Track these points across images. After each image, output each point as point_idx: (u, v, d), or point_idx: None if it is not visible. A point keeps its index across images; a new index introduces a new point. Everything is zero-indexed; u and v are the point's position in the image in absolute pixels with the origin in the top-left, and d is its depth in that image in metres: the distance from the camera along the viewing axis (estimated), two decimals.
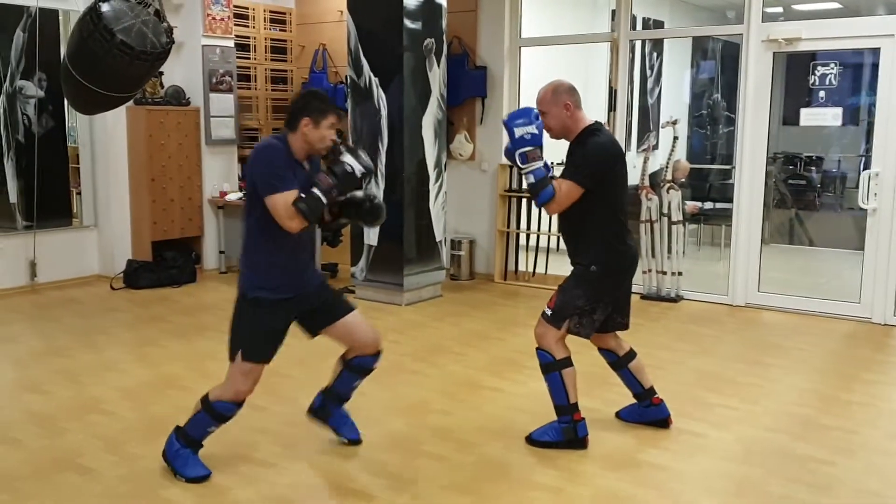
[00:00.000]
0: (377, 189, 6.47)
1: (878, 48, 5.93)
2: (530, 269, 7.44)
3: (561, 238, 3.88)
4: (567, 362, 3.63)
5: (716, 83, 10.06)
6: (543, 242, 7.48)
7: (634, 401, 3.99)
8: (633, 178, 7.06)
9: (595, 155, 3.52)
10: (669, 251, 6.75)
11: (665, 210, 6.74)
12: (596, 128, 3.60)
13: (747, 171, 6.43)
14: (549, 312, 3.64)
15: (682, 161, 7.10)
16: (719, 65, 9.95)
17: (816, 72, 6.38)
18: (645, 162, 6.88)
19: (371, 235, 6.58)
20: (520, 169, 3.54)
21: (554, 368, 3.61)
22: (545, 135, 3.58)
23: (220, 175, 7.78)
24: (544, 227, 7.39)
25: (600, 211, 3.54)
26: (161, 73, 7.18)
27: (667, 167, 6.80)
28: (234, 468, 3.48)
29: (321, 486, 3.38)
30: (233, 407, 3.33)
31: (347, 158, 3.17)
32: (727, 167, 9.26)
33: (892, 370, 5.06)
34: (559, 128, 3.61)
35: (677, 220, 6.77)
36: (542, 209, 3.63)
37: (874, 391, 4.59)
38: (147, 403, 4.28)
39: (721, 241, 8.27)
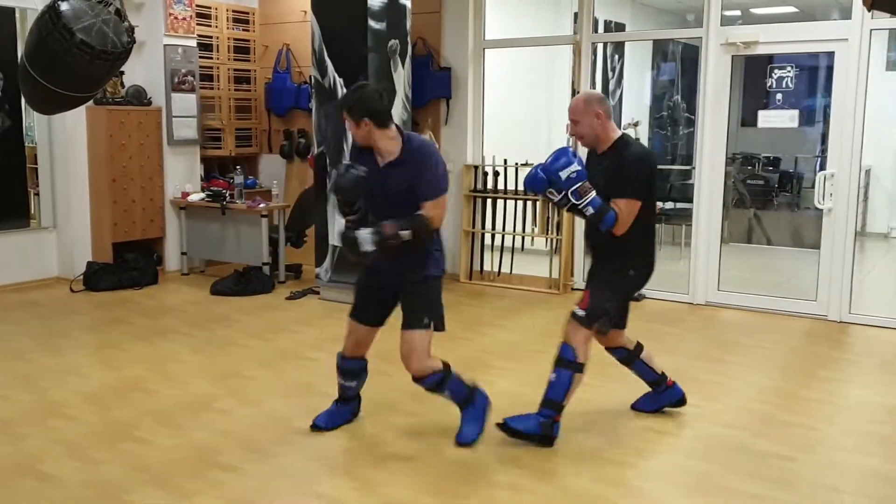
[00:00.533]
0: None
1: (833, 52, 6.07)
2: (496, 269, 7.48)
3: (590, 243, 3.95)
4: (583, 368, 3.72)
5: (676, 85, 10.20)
6: (508, 242, 7.52)
7: (629, 396, 4.16)
8: None
9: (643, 166, 3.67)
10: None
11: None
12: (628, 139, 3.79)
13: (707, 172, 6.54)
14: (581, 313, 3.71)
15: None
16: (679, 67, 10.09)
17: (774, 74, 6.51)
18: None
19: (335, 236, 6.56)
20: (576, 205, 3.58)
21: (571, 368, 3.69)
22: (568, 131, 3.81)
23: (183, 175, 7.70)
24: (509, 227, 7.43)
25: (643, 218, 3.66)
26: (122, 73, 7.08)
27: None
28: (198, 473, 3.46)
29: (287, 488, 3.37)
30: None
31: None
32: (687, 168, 9.40)
33: (847, 367, 5.19)
34: (591, 136, 3.72)
35: None
36: (609, 231, 3.61)
37: (831, 388, 4.69)
38: (110, 407, 4.23)
39: (682, 241, 8.38)
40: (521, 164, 7.20)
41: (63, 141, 7.17)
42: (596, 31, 7.35)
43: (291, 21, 8.25)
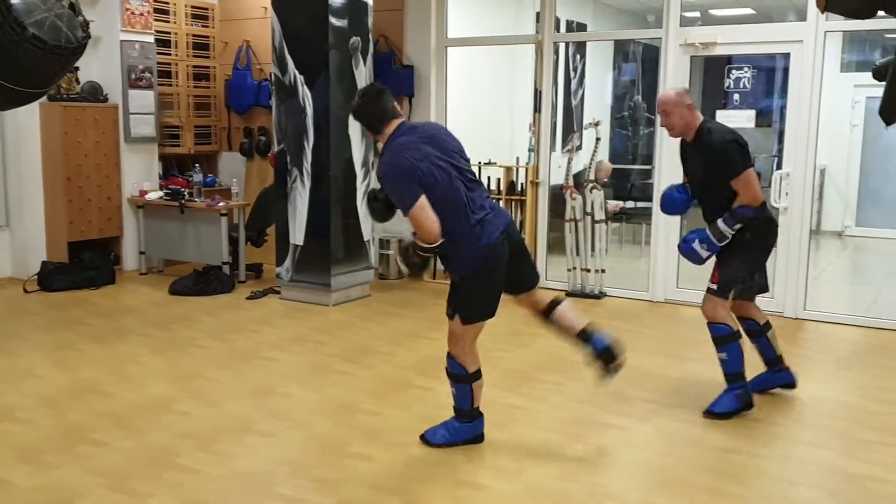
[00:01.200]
0: (303, 188, 6.41)
1: (789, 53, 6.17)
2: None
3: (705, 217, 4.18)
4: (741, 333, 4.07)
5: (637, 85, 10.29)
6: None
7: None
8: (557, 177, 7.23)
9: (733, 142, 3.93)
10: (593, 249, 6.89)
11: (588, 209, 6.88)
12: (710, 123, 4.07)
13: (666, 172, 6.59)
14: (714, 287, 4.02)
15: (604, 162, 7.24)
16: (640, 67, 10.18)
17: (731, 75, 6.60)
18: (569, 162, 6.99)
19: (297, 235, 6.51)
20: (727, 238, 4.01)
21: (732, 339, 4.02)
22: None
23: (141, 173, 7.58)
24: None
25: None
26: (77, 69, 6.95)
27: (590, 167, 6.92)
28: (156, 475, 3.40)
29: (247, 490, 3.33)
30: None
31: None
32: (648, 167, 9.49)
33: (803, 362, 5.27)
34: (682, 126, 4.03)
35: (600, 219, 6.91)
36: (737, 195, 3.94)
37: None
38: (65, 410, 4.15)
39: (642, 240, 8.47)
40: (485, 163, 7.21)
41: (15, 138, 7.01)
42: (558, 30, 7.39)
43: (252, 17, 8.17)
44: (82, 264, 7.02)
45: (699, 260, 4.09)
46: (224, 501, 3.23)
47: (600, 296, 6.84)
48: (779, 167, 6.35)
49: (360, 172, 6.60)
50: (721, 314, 4.02)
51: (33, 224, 7.09)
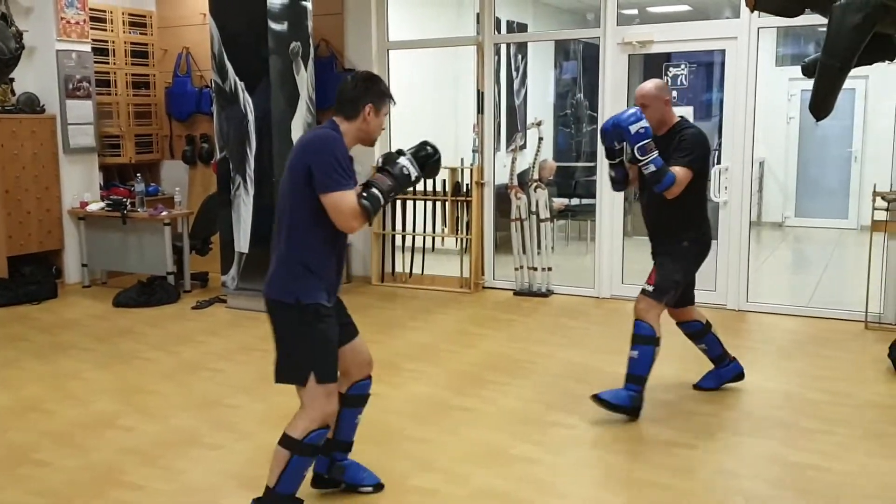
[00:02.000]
0: (247, 195, 6.36)
1: (724, 50, 6.30)
2: (407, 271, 7.49)
3: (647, 223, 4.26)
4: (659, 342, 4.02)
5: (578, 83, 10.40)
6: (419, 243, 7.54)
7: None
8: (502, 177, 7.28)
9: (700, 143, 3.96)
10: (539, 248, 6.96)
11: (533, 208, 6.94)
12: (686, 122, 4.07)
13: (609, 167, 6.68)
14: (650, 289, 4.02)
15: (548, 160, 7.32)
16: (581, 65, 10.30)
17: (669, 72, 6.72)
18: (513, 162, 7.05)
19: (241, 242, 6.45)
20: (639, 160, 3.83)
21: (651, 342, 3.99)
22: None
23: (81, 185, 7.43)
24: (419, 228, 7.45)
25: (694, 192, 3.96)
26: (12, 80, 6.79)
27: (534, 166, 6.99)
28: (102, 493, 3.35)
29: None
30: (325, 432, 2.97)
31: (404, 161, 3.02)
32: (591, 164, 9.60)
33: (746, 354, 5.36)
34: (657, 120, 3.99)
35: (545, 218, 6.98)
36: (662, 193, 3.90)
37: None
38: (5, 429, 4.06)
39: (588, 236, 8.57)
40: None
41: None
42: (498, 31, 7.44)
43: (190, 24, 8.06)
44: (23, 279, 6.87)
45: (614, 135, 3.92)
46: None
47: (547, 294, 6.91)
48: (718, 161, 6.48)
49: None
50: (651, 316, 4.01)
51: None
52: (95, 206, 7.27)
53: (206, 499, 3.33)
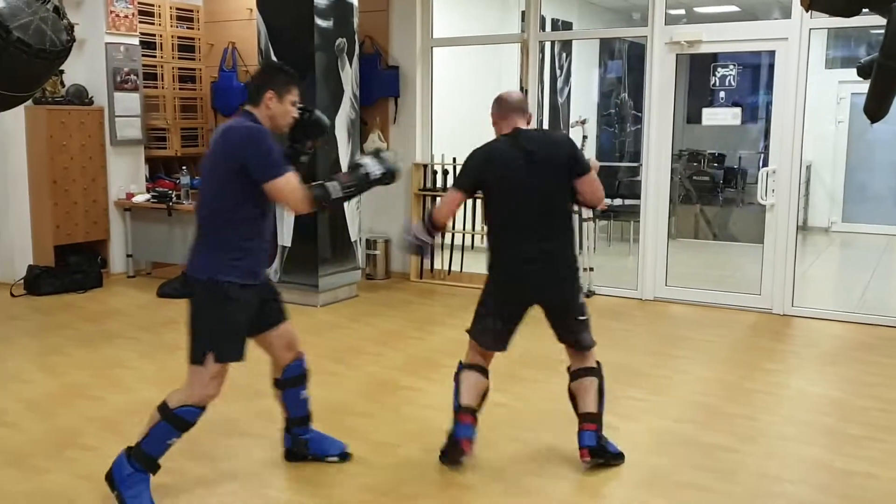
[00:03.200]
0: None
1: (774, 51, 6.20)
2: (446, 268, 7.49)
3: None
4: (461, 367, 3.63)
5: (623, 83, 10.33)
6: (458, 240, 7.54)
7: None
8: None
9: (467, 162, 3.55)
10: (581, 248, 6.91)
11: (576, 207, 6.87)
12: (496, 139, 3.58)
13: (653, 169, 6.63)
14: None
15: (591, 160, 7.20)
16: (626, 65, 10.22)
17: (717, 73, 6.63)
18: None
19: (285, 236, 6.50)
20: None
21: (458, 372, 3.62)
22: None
23: (127, 176, 7.55)
24: (459, 226, 7.44)
25: (490, 218, 3.59)
26: (62, 72, 6.92)
27: None
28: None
29: (238, 492, 3.33)
30: (199, 411, 3.07)
31: (367, 160, 3.14)
32: (635, 164, 9.52)
33: (790, 359, 5.31)
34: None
35: (587, 217, 6.93)
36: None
37: (774, 379, 4.80)
38: (53, 415, 4.14)
39: (630, 237, 8.50)
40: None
41: (1, 142, 6.98)
42: (543, 29, 7.41)
43: (237, 19, 8.14)
44: (69, 268, 6.99)
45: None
46: (214, 502, 3.23)
47: (589, 294, 6.86)
48: (765, 164, 6.39)
49: None
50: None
51: (19, 228, 7.06)
52: (141, 198, 7.38)
53: (248, 487, 3.36)
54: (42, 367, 4.99)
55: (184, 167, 7.72)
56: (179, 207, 7.12)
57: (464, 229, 7.42)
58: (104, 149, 7.37)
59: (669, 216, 6.83)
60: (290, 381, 3.40)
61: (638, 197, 6.91)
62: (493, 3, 9.32)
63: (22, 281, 6.84)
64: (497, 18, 9.10)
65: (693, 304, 6.54)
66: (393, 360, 5.10)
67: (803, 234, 9.28)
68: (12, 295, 6.72)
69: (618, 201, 9.23)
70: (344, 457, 3.52)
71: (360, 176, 3.11)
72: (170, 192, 7.29)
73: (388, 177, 3.18)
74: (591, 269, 6.92)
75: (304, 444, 3.46)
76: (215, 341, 3.02)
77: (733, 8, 9.31)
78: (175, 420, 3.03)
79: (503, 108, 3.58)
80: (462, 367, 3.62)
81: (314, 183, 3.05)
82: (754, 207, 7.94)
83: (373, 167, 3.13)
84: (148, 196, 7.39)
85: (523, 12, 7.20)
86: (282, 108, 3.10)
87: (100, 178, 7.36)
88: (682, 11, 8.72)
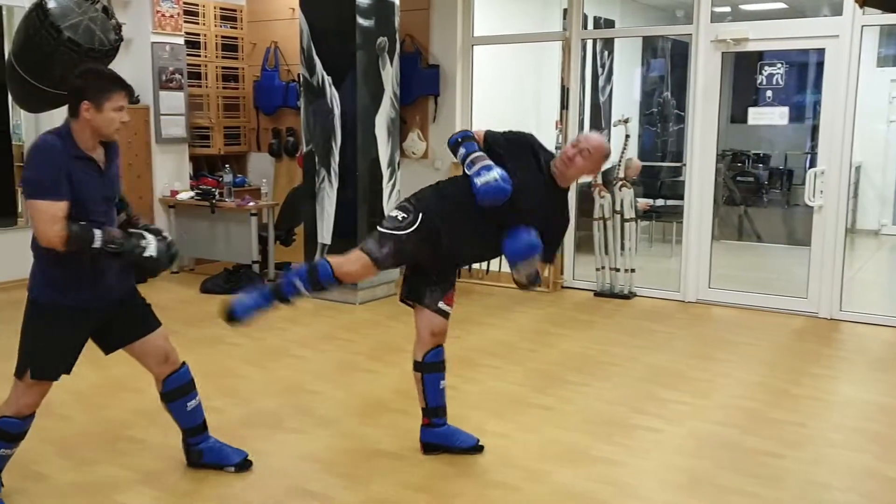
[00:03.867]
0: (331, 189, 6.44)
1: (823, 48, 6.07)
2: (484, 267, 7.46)
3: None
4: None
5: (666, 81, 10.20)
6: None
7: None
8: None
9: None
10: (622, 248, 6.84)
11: (618, 207, 6.83)
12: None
13: (697, 169, 6.54)
14: (448, 309, 3.62)
15: (633, 159, 7.17)
16: (669, 63, 10.10)
17: (764, 71, 6.51)
18: None
19: (324, 234, 6.54)
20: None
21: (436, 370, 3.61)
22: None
23: (172, 174, 7.66)
24: None
25: None
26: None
27: (619, 165, 6.88)
28: (190, 472, 3.43)
29: (278, 487, 3.35)
30: (17, 423, 3.04)
31: (150, 240, 2.98)
32: (677, 164, 9.41)
33: (838, 364, 5.20)
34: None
35: (630, 218, 6.86)
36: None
37: (821, 385, 4.70)
38: (100, 407, 4.21)
39: (672, 238, 8.39)
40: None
41: None
42: (585, 27, 7.35)
43: (279, 18, 8.21)
44: None
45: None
46: (256, 498, 3.25)
47: (630, 296, 6.79)
48: (812, 164, 6.26)
49: (386, 172, 6.62)
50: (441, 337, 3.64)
51: None
52: (185, 195, 7.48)
53: (290, 481, 3.38)
54: (89, 360, 5.01)
55: (226, 165, 7.80)
56: (222, 205, 7.20)
57: None
58: (150, 146, 7.48)
59: (713, 217, 6.72)
60: (175, 392, 3.32)
61: (680, 197, 6.82)
62: (535, 1, 9.27)
63: None
64: (538, 16, 9.05)
65: (737, 306, 6.44)
66: None
67: (851, 237, 9.09)
68: None
69: (660, 202, 9.13)
70: (243, 466, 3.42)
71: (132, 245, 2.94)
72: (213, 189, 7.37)
73: (152, 263, 3.01)
74: (633, 271, 6.84)
75: (199, 455, 3.39)
76: (32, 358, 3.01)
77: (781, 5, 9.14)
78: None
79: None
80: None
81: (83, 223, 2.83)
82: (800, 209, 7.79)
83: (151, 248, 2.97)
84: (191, 193, 7.49)
85: (565, 10, 7.15)
86: (103, 118, 2.85)
87: (145, 175, 7.47)
88: (728, 9, 8.57)
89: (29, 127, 7.18)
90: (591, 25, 8.23)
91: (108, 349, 3.27)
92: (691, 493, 3.33)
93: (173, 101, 7.56)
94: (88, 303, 3.00)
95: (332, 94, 6.37)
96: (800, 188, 7.66)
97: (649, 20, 10.17)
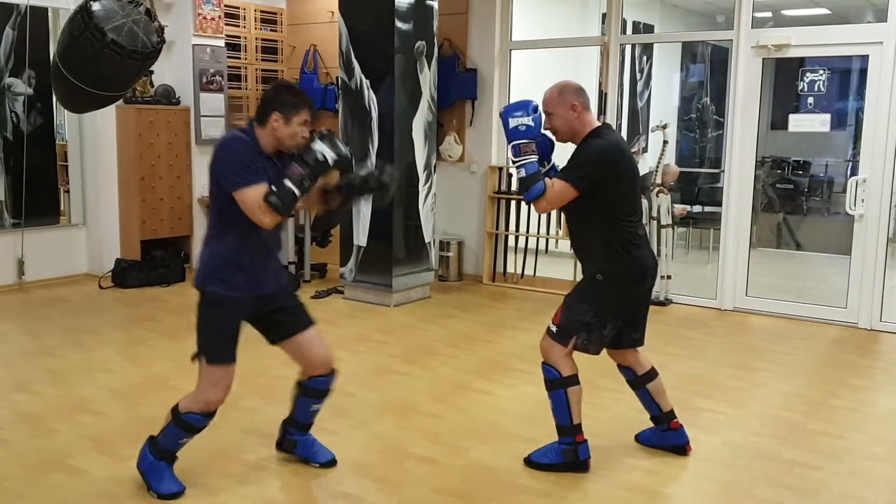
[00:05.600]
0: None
1: (867, 55, 5.98)
2: (518, 271, 7.46)
3: (571, 247, 3.69)
4: (573, 380, 3.44)
5: (705, 87, 10.11)
6: (532, 244, 7.50)
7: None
8: None
9: (592, 157, 3.32)
10: (659, 254, 6.79)
11: (654, 213, 6.78)
12: (601, 129, 3.40)
13: (736, 175, 6.47)
14: (553, 329, 3.44)
15: (671, 165, 7.13)
16: (708, 69, 10.02)
17: (805, 78, 6.43)
18: None
19: (360, 236, 6.58)
20: (512, 162, 3.36)
21: (559, 386, 3.42)
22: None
23: None
24: (533, 230, 7.41)
25: (602, 216, 3.34)
26: (151, 72, 7.15)
27: (656, 171, 6.83)
28: (225, 470, 3.48)
29: (310, 488, 3.38)
30: (203, 418, 3.20)
31: (318, 146, 3.03)
32: (716, 171, 9.32)
33: (877, 375, 5.11)
34: (566, 130, 3.40)
35: (666, 224, 6.81)
36: (531, 206, 3.42)
37: (860, 396, 4.63)
38: (137, 404, 4.27)
39: (710, 245, 8.31)
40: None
41: (93, 139, 7.25)
42: (624, 32, 7.31)
43: (319, 22, 8.28)
44: (154, 262, 7.22)
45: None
46: (289, 498, 3.28)
47: (666, 302, 6.73)
48: (854, 173, 6.16)
49: (422, 175, 6.64)
50: (553, 356, 3.43)
51: (108, 222, 7.32)
52: None
53: (323, 483, 3.41)
54: (128, 358, 5.16)
55: None
56: None
57: (538, 233, 7.38)
58: (189, 147, 7.58)
59: (751, 224, 6.65)
60: (312, 391, 3.42)
61: (718, 204, 6.75)
62: (573, 5, 9.24)
63: (109, 274, 7.10)
64: (576, 21, 9.03)
65: (774, 315, 6.36)
66: (465, 363, 5.10)
67: (893, 247, 8.92)
68: (100, 287, 6.98)
69: (697, 208, 9.04)
70: (330, 464, 3.51)
71: (313, 162, 3.00)
72: None
73: (343, 163, 3.09)
74: (669, 277, 6.79)
75: (293, 445, 3.53)
76: (205, 345, 3.17)
77: (823, 11, 9.02)
78: (182, 423, 3.21)
79: (586, 98, 3.45)
80: (570, 380, 3.45)
81: (272, 189, 2.96)
82: (841, 217, 7.67)
83: (325, 150, 3.03)
84: None
85: (604, 14, 7.12)
86: (289, 131, 3.04)
87: (185, 175, 7.57)
88: (770, 14, 8.48)
89: (72, 127, 7.33)
90: (629, 30, 8.19)
91: (272, 340, 3.39)
92: (726, 503, 3.30)
93: (213, 102, 7.65)
94: (241, 293, 3.14)
95: (370, 98, 6.41)
96: (840, 196, 7.55)
97: (689, 25, 10.10)
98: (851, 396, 4.59)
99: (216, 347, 3.17)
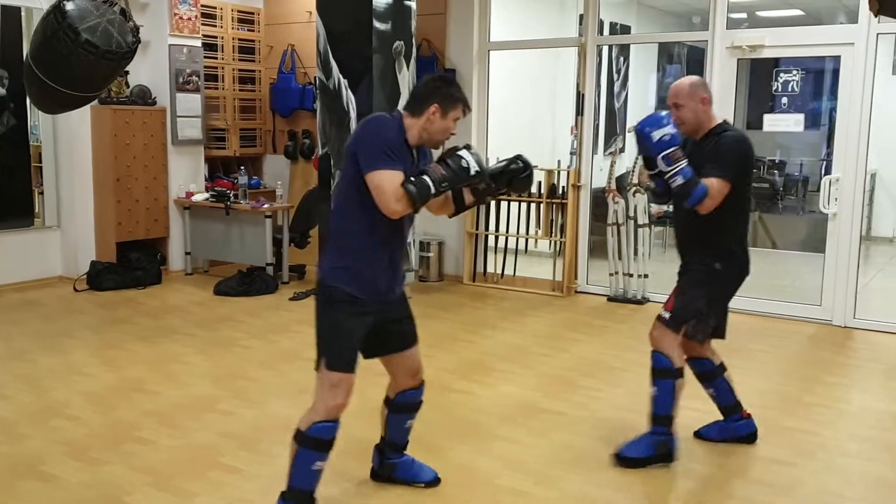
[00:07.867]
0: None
1: (839, 56, 6.05)
2: (499, 271, 7.47)
3: (677, 237, 3.77)
4: (682, 373, 3.52)
5: None
6: (512, 244, 7.51)
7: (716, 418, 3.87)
8: (599, 181, 7.18)
9: (739, 150, 3.46)
10: (635, 254, 6.83)
11: (631, 213, 6.82)
12: (726, 123, 3.57)
13: None
14: (666, 316, 3.53)
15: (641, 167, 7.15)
16: (685, 69, 10.06)
17: (780, 78, 6.49)
18: (612, 165, 6.94)
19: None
20: (664, 172, 3.35)
21: (669, 376, 3.48)
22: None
23: (187, 175, 7.70)
24: (512, 229, 7.42)
25: (735, 208, 3.48)
26: (127, 73, 7.09)
27: (633, 171, 6.87)
28: (201, 474, 3.45)
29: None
30: (330, 426, 2.91)
31: (466, 154, 2.88)
32: None
33: (852, 372, 5.17)
34: (694, 122, 3.50)
35: (643, 224, 6.85)
36: (695, 208, 3.38)
37: (835, 393, 4.68)
38: (112, 408, 4.23)
39: None
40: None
41: (68, 140, 7.18)
42: (601, 33, 7.34)
43: (296, 21, 8.25)
44: (130, 264, 7.15)
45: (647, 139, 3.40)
46: (266, 501, 3.26)
47: (643, 301, 6.77)
48: (827, 172, 6.24)
49: None
50: (666, 344, 3.51)
51: (83, 224, 7.24)
52: (200, 197, 7.52)
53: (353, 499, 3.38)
54: (103, 361, 5.11)
55: (242, 167, 7.85)
56: (237, 207, 7.24)
57: (518, 232, 7.40)
58: (165, 148, 7.52)
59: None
60: (403, 406, 3.26)
61: None
62: (551, 6, 9.27)
63: (85, 276, 7.03)
64: (554, 22, 9.05)
65: (750, 313, 6.40)
66: (445, 363, 5.09)
67: (866, 244, 9.02)
68: (75, 290, 6.90)
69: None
70: (433, 483, 3.36)
71: (457, 168, 2.85)
72: (228, 191, 7.41)
73: (481, 176, 2.92)
74: (646, 276, 6.83)
75: (391, 469, 3.36)
76: (326, 347, 2.92)
77: (797, 12, 9.11)
78: (311, 442, 2.92)
79: (711, 92, 3.58)
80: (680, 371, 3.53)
81: (411, 179, 2.79)
82: (815, 216, 7.74)
83: (470, 159, 2.87)
84: (206, 195, 7.53)
85: (581, 16, 7.15)
86: (443, 125, 2.92)
87: (161, 176, 7.52)
88: (744, 15, 8.56)
89: (46, 128, 7.25)
90: (606, 31, 8.22)
91: (369, 354, 3.11)
92: (702, 500, 3.32)
93: (190, 103, 7.60)
94: (365, 294, 2.91)
95: (348, 98, 6.39)
96: (815, 195, 7.61)
97: (665, 26, 10.15)
98: (826, 393, 4.64)
99: (338, 350, 2.91)
